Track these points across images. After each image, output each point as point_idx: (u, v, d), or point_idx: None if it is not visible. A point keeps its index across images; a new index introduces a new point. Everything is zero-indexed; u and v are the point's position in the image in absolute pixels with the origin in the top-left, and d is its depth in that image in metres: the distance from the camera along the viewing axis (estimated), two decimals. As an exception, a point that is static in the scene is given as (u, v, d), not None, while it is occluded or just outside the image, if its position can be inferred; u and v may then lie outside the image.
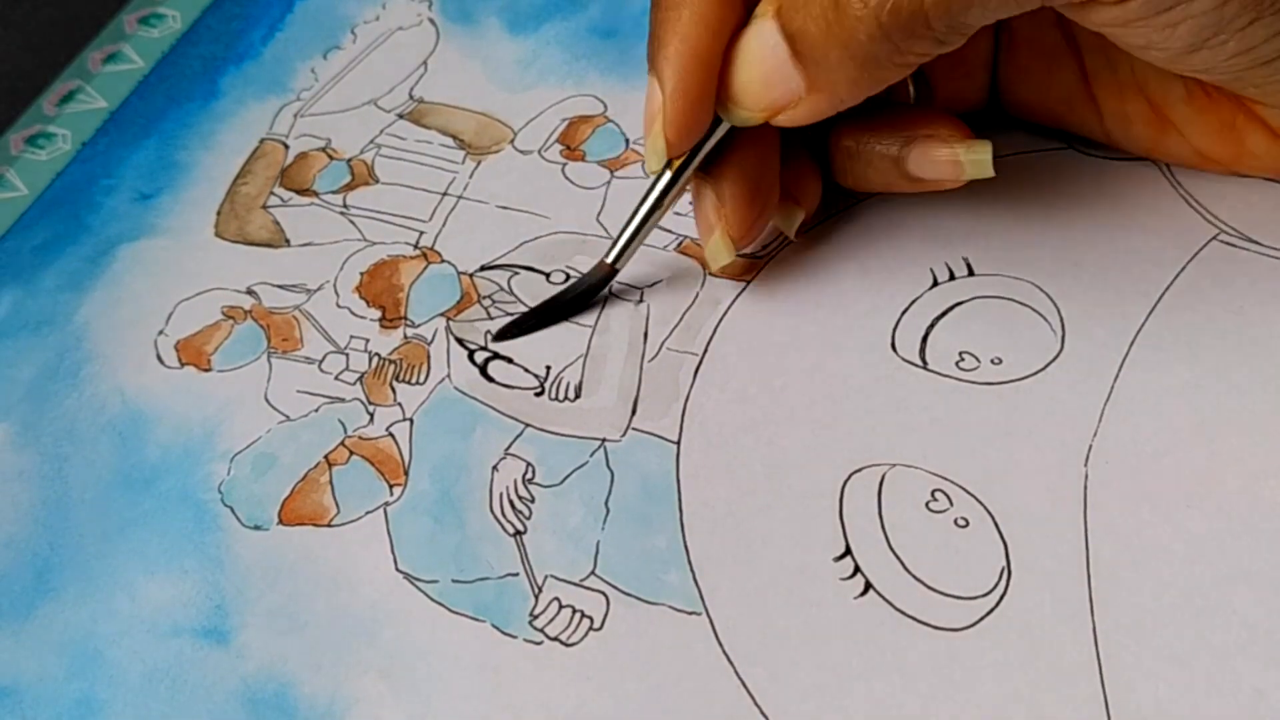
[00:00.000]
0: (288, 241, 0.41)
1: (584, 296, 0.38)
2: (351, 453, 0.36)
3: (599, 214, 0.40)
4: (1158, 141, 0.37)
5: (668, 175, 0.35)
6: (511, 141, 0.43)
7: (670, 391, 0.36)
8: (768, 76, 0.32)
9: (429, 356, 0.38)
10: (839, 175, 0.37)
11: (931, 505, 0.33)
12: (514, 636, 0.32)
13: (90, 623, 0.33)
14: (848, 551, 0.32)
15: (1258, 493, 0.32)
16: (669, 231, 0.39)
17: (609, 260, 0.37)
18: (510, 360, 0.37)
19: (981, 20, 0.30)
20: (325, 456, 0.36)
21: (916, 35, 0.30)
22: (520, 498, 0.34)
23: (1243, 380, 0.34)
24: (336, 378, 0.38)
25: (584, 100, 0.44)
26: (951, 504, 0.33)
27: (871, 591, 0.32)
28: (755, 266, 0.38)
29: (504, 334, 0.38)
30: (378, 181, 0.43)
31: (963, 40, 0.31)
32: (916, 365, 0.36)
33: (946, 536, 0.32)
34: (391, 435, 0.36)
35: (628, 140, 0.42)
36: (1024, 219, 0.38)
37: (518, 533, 0.34)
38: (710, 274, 0.38)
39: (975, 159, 0.34)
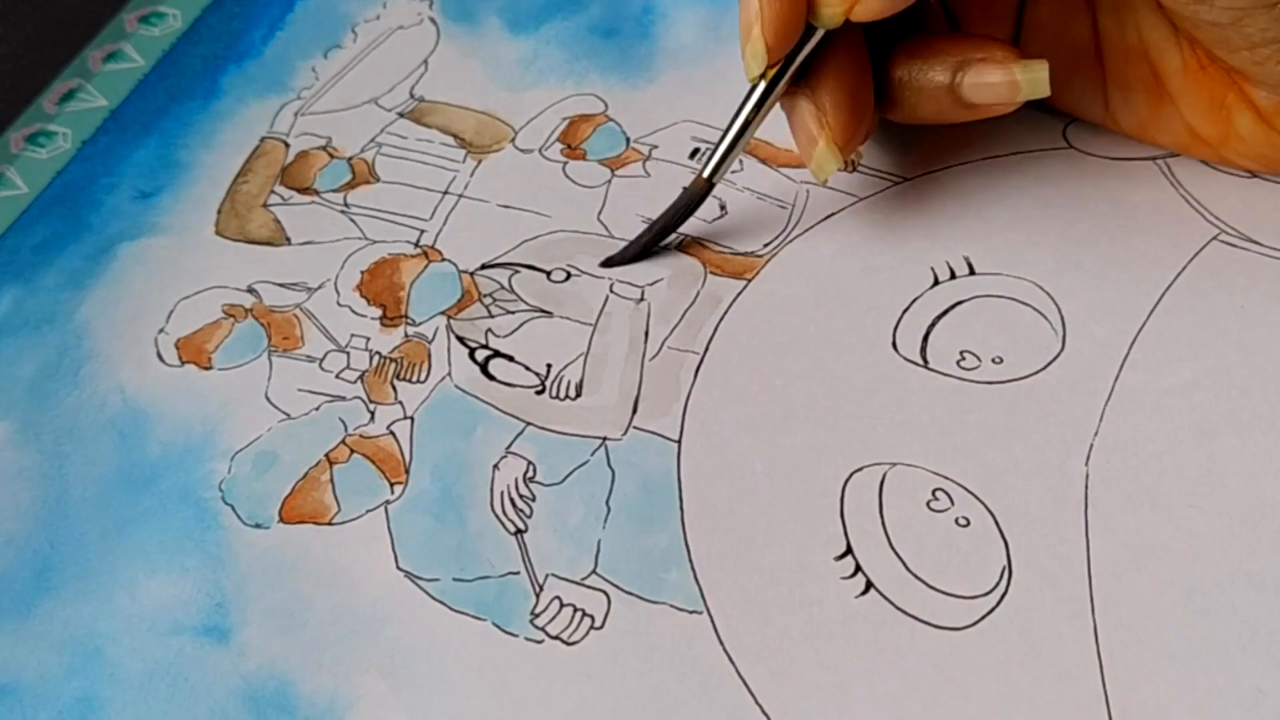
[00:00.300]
0: (288, 240, 0.41)
1: (682, 213, 0.38)
2: (352, 451, 0.36)
3: (599, 213, 0.40)
4: (1154, 113, 0.37)
5: (761, 86, 0.35)
6: (512, 140, 0.43)
7: (671, 390, 0.36)
8: None
9: (430, 355, 0.38)
10: (893, 110, 0.37)
11: (932, 504, 0.33)
12: (515, 635, 0.32)
13: (90, 621, 0.33)
14: (849, 550, 0.32)
15: (1258, 492, 0.32)
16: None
17: (705, 175, 0.37)
18: (511, 358, 0.37)
19: None
20: (326, 455, 0.36)
21: None
22: (521, 496, 0.34)
23: (1243, 380, 0.34)
24: (337, 376, 0.38)
25: (584, 99, 0.44)
26: (952, 503, 0.33)
27: (872, 590, 0.32)
28: (755, 265, 0.38)
29: (610, 262, 0.39)
30: (378, 180, 0.43)
31: None
32: (917, 364, 0.36)
33: (947, 535, 0.32)
34: (392, 434, 0.36)
35: (628, 139, 0.43)
36: (1025, 218, 0.38)
37: (519, 531, 0.34)
38: (819, 184, 0.38)
39: (1032, 77, 0.35)
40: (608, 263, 0.39)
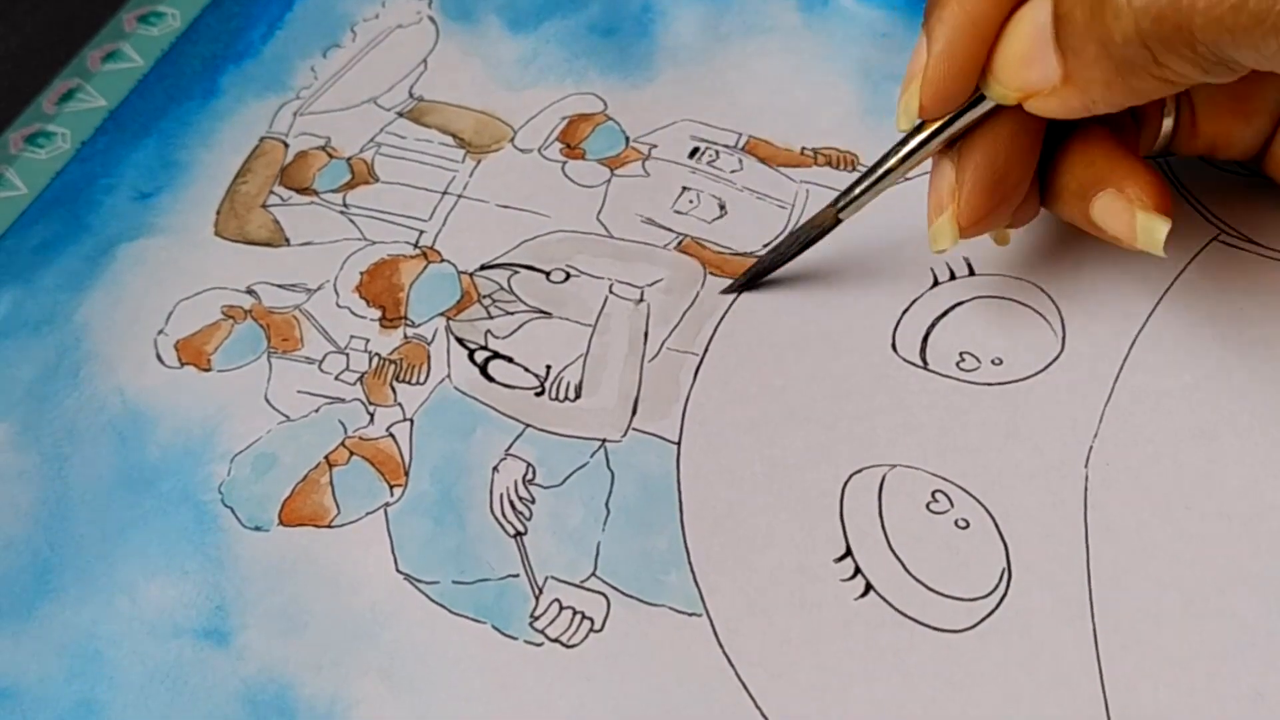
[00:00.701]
0: (287, 241, 0.41)
1: (806, 245, 0.37)
2: (352, 453, 0.36)
3: (599, 212, 0.40)
4: None
5: (918, 138, 0.33)
6: (511, 140, 0.43)
7: (671, 392, 0.36)
8: (1028, 54, 0.30)
9: (429, 356, 0.38)
10: (1052, 204, 0.35)
11: (932, 506, 0.33)
12: (514, 638, 0.32)
13: (90, 624, 0.33)
14: (848, 553, 0.32)
15: (1258, 494, 0.32)
16: (668, 230, 0.39)
17: (836, 209, 0.35)
18: (510, 360, 0.37)
19: (1253, 63, 0.27)
20: (325, 457, 0.36)
21: (1176, 52, 0.27)
22: (521, 498, 0.34)
23: (1243, 381, 0.34)
24: (336, 378, 0.38)
25: (584, 98, 0.44)
26: (952, 505, 0.33)
27: (872, 593, 0.32)
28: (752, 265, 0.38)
29: (736, 289, 0.38)
30: (378, 180, 0.43)
31: (1232, 77, 0.28)
32: (917, 365, 0.36)
33: (947, 537, 0.32)
34: (392, 436, 0.36)
35: (628, 138, 0.43)
36: (1025, 219, 0.38)
37: (518, 534, 0.34)
38: (934, 251, 0.34)
39: (1146, 228, 0.32)
40: (731, 289, 0.38)
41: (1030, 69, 0.30)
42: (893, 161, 0.34)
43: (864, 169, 0.34)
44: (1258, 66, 0.27)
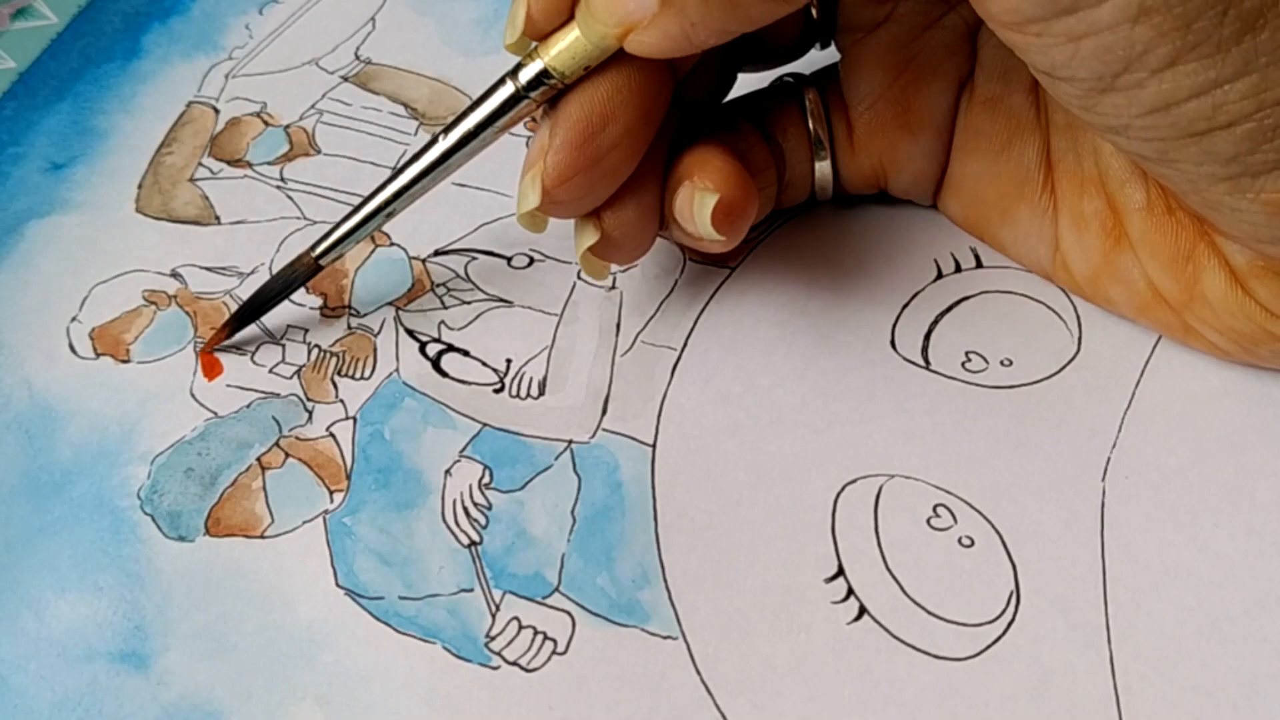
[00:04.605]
0: (217, 219, 0.41)
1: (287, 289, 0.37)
2: (287, 455, 0.36)
3: (566, 193, 0.41)
4: (1110, 260, 0.34)
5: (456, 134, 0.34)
6: (469, 111, 0.43)
7: (645, 389, 0.36)
8: None
9: (375, 349, 0.38)
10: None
11: (933, 522, 0.33)
12: (468, 660, 0.32)
13: (-9, 643, 0.33)
14: (840, 572, 0.33)
15: (1291, 510, 0.32)
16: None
17: (315, 255, 0.36)
18: (466, 353, 0.37)
19: None
20: (258, 459, 0.36)
21: None
22: (476, 505, 0.34)
23: (1275, 385, 0.34)
24: (271, 371, 0.38)
25: (551, 66, 0.44)
26: (955, 521, 0.33)
27: (866, 616, 0.32)
28: (740, 251, 0.38)
29: (216, 344, 0.38)
30: (319, 152, 0.43)
31: None
32: (918, 365, 0.36)
33: (949, 556, 0.32)
34: (332, 435, 0.36)
35: (599, 111, 0.43)
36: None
37: (473, 544, 0.34)
38: (521, 222, 0.34)
39: (700, 201, 0.33)
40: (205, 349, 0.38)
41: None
42: (372, 207, 0.35)
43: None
44: None
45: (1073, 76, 0.28)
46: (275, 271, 0.38)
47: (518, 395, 0.36)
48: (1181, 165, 0.29)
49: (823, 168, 0.37)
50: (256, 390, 0.37)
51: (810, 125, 0.36)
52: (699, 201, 0.33)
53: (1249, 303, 0.32)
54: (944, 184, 0.37)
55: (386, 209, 0.35)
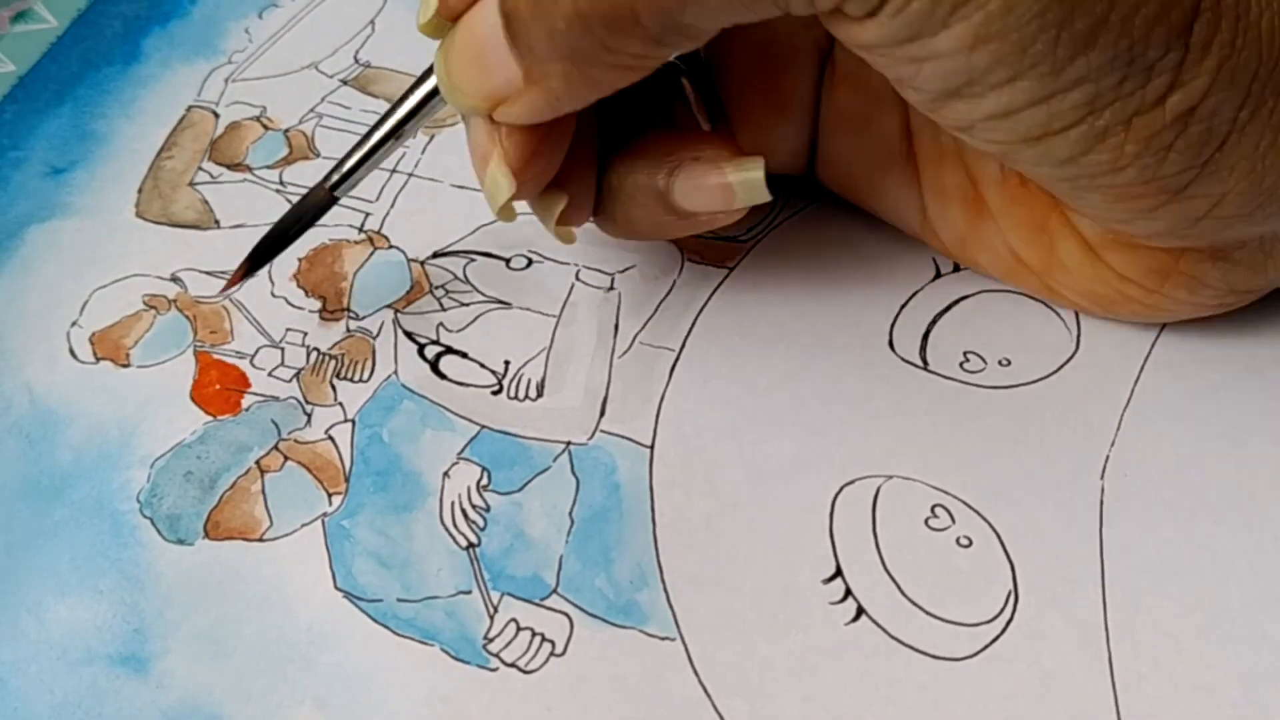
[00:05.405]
0: (217, 223, 0.42)
1: (304, 226, 0.37)
2: (286, 458, 0.36)
3: (566, 194, 0.41)
4: (973, 228, 0.36)
5: (409, 103, 0.34)
6: (469, 113, 0.43)
7: (643, 390, 0.36)
8: (484, 58, 0.30)
9: (374, 352, 0.38)
10: (605, 223, 0.36)
11: (931, 522, 0.33)
12: (466, 662, 0.32)
13: (-8, 647, 0.33)
14: (838, 572, 0.33)
15: (1291, 507, 0.32)
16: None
17: (328, 186, 0.35)
18: (465, 355, 0.37)
19: (704, 22, 0.28)
20: (257, 462, 0.36)
21: (624, 31, 0.28)
22: (474, 507, 0.34)
23: (1274, 381, 0.34)
24: (270, 374, 0.38)
25: (550, 68, 0.44)
26: (953, 521, 0.33)
27: (864, 617, 0.32)
28: (738, 252, 0.39)
29: (237, 280, 0.38)
30: (318, 155, 0.43)
31: (692, 45, 0.29)
32: (916, 366, 0.36)
33: (947, 556, 0.33)
34: (331, 439, 0.36)
35: (599, 113, 0.43)
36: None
37: (471, 546, 0.34)
38: (496, 214, 0.34)
39: (746, 178, 0.33)
40: (227, 288, 0.38)
41: (489, 75, 0.30)
42: (385, 130, 0.34)
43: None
44: (707, 24, 0.28)
45: (919, 88, 0.29)
46: (294, 206, 0.37)
47: (516, 397, 0.36)
48: (1023, 164, 0.30)
49: None
50: (256, 394, 0.37)
51: (693, 114, 0.36)
52: (743, 176, 0.33)
53: (1104, 268, 0.34)
54: (816, 159, 0.38)
55: (397, 133, 0.34)
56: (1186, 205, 0.30)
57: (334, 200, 0.36)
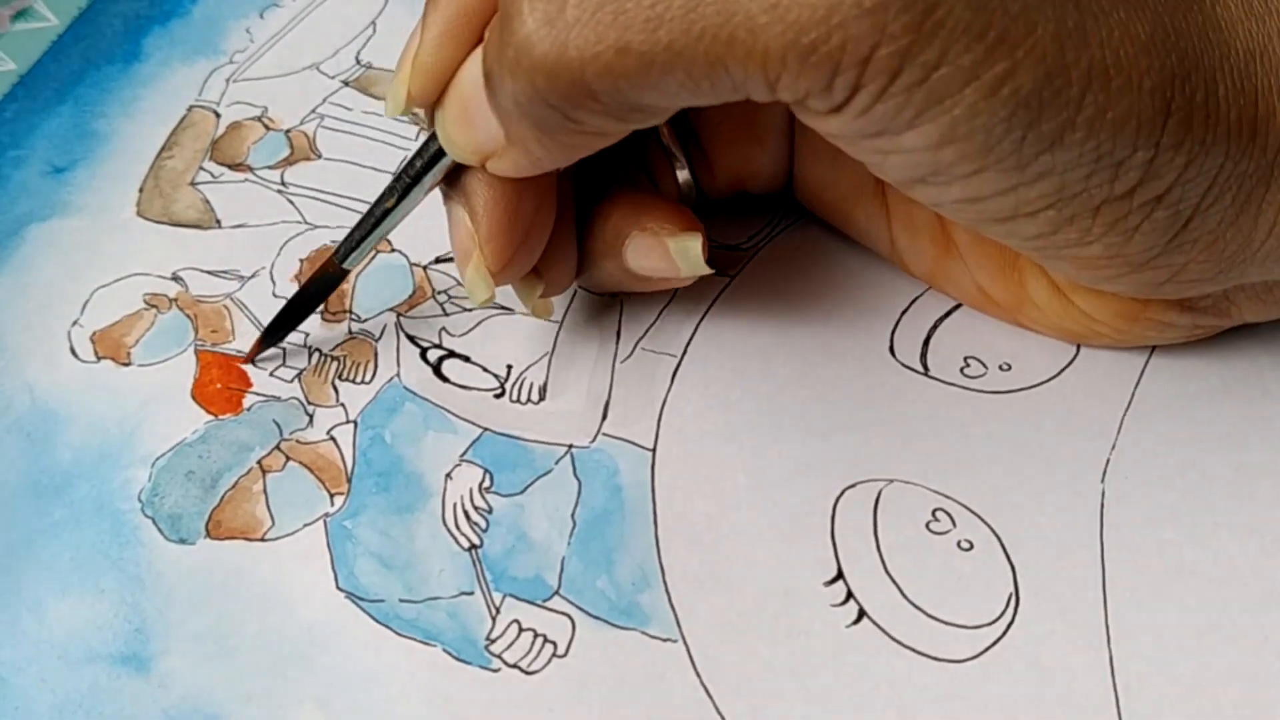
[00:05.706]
0: (218, 223, 0.42)
1: (315, 302, 0.37)
2: (288, 458, 0.36)
3: (567, 197, 0.41)
4: (942, 264, 0.37)
5: (415, 173, 0.34)
6: (470, 115, 0.43)
7: (645, 395, 0.36)
8: (470, 114, 0.31)
9: (376, 354, 0.38)
10: (582, 278, 0.37)
11: (932, 525, 0.33)
12: (468, 663, 0.32)
13: (-8, 645, 0.33)
14: (840, 575, 0.33)
15: (1291, 510, 0.33)
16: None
17: (338, 259, 0.36)
18: (467, 359, 0.37)
19: (662, 102, 0.28)
20: (259, 462, 0.36)
21: (584, 107, 0.28)
22: (476, 508, 0.34)
23: (1274, 384, 0.35)
24: (272, 374, 0.38)
25: (552, 70, 0.44)
26: (954, 524, 0.33)
27: (865, 619, 0.32)
28: (739, 259, 0.39)
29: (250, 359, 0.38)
30: (320, 156, 0.43)
31: (654, 121, 0.29)
32: (917, 371, 0.36)
33: (948, 560, 0.33)
34: (333, 439, 0.36)
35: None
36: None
37: (473, 547, 0.34)
38: (477, 305, 0.36)
39: (682, 248, 0.34)
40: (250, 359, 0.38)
41: (476, 129, 0.31)
42: (390, 202, 0.34)
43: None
44: (669, 105, 0.28)
45: (884, 173, 0.29)
46: (303, 285, 0.37)
47: (518, 400, 0.37)
48: (992, 236, 0.31)
49: (684, 176, 0.37)
50: (258, 394, 0.37)
51: (665, 144, 0.36)
52: (680, 247, 0.34)
53: (1073, 308, 0.35)
54: (793, 182, 0.38)
55: (400, 204, 0.34)
56: (1150, 274, 0.30)
57: (344, 274, 0.36)
